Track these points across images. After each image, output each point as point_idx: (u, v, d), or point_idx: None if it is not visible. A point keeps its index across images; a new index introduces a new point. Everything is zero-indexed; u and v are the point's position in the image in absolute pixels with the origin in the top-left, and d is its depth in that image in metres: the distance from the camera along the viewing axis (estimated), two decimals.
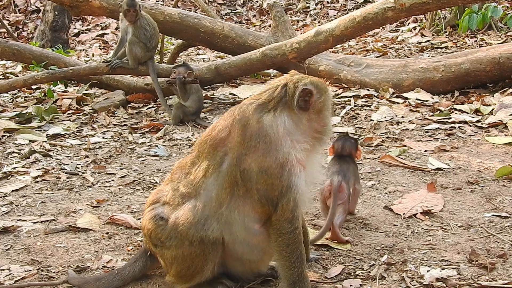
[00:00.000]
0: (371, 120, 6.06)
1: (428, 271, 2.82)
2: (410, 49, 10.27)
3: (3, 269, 3.07)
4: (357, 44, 11.45)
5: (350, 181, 3.43)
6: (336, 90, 7.31)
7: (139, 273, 2.87)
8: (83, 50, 14.24)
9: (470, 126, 5.62)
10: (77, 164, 5.11)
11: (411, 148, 5.04)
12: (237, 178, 2.47)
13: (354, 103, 6.72)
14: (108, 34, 15.56)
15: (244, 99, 2.79)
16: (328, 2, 16.05)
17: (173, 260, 2.63)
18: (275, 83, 2.66)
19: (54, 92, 7.77)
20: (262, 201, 2.47)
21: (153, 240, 2.69)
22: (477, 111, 6.08)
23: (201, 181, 2.56)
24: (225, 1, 17.06)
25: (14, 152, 5.55)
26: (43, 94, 7.89)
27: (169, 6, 11.40)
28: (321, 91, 2.59)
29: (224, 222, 2.52)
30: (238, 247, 2.60)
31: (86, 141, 5.83)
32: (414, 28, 12.15)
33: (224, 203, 2.50)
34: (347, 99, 6.90)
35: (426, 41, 10.80)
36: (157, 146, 5.62)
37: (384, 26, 12.49)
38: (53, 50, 9.97)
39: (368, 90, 7.12)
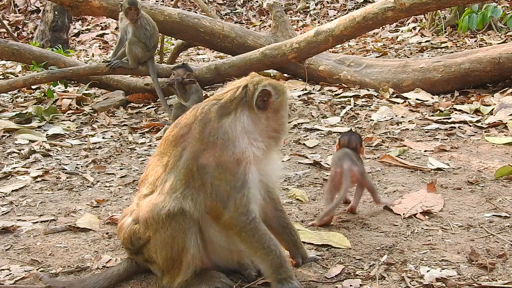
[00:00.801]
0: (371, 120, 6.06)
1: (428, 271, 2.82)
2: (410, 49, 10.27)
3: (3, 269, 3.08)
4: (357, 44, 11.45)
5: (359, 165, 3.58)
6: (336, 90, 7.32)
7: (124, 272, 2.89)
8: (83, 50, 14.24)
9: (470, 126, 5.62)
10: (77, 164, 5.11)
11: (411, 148, 5.04)
12: (194, 172, 2.57)
13: (354, 103, 6.72)
14: (108, 34, 15.56)
15: None
16: (328, 2, 16.05)
17: (156, 248, 2.67)
18: (236, 84, 2.80)
19: (54, 92, 7.77)
20: (213, 196, 2.55)
21: (134, 244, 2.76)
22: (477, 111, 6.07)
23: (161, 177, 2.67)
24: (225, 1, 17.06)
25: (14, 152, 5.56)
26: (43, 94, 7.89)
27: (169, 6, 11.40)
28: (279, 93, 2.75)
29: (179, 204, 2.58)
30: (202, 226, 2.67)
31: (86, 141, 5.83)
32: (414, 28, 12.15)
33: (178, 191, 2.59)
34: (347, 99, 6.90)
35: (426, 41, 10.80)
36: (156, 146, 5.62)
37: (384, 26, 12.49)
38: (53, 50, 9.96)
39: (368, 90, 7.12)
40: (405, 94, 6.84)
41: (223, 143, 2.55)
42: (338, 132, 5.68)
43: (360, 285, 2.74)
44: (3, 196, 4.33)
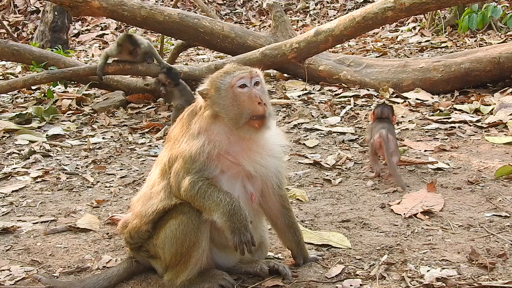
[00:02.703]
0: None
1: (428, 270, 2.82)
2: (410, 49, 10.27)
3: (3, 270, 3.08)
4: (356, 44, 11.44)
5: (393, 133, 4.37)
6: (336, 90, 7.31)
7: (124, 272, 2.92)
8: (83, 50, 14.24)
9: (470, 126, 5.61)
10: (77, 165, 5.11)
11: (411, 148, 5.04)
12: (166, 166, 2.78)
13: (354, 103, 6.72)
14: (107, 34, 15.55)
15: None
16: (328, 2, 16.05)
17: (165, 244, 2.73)
18: None
19: (54, 92, 7.76)
20: (173, 183, 2.72)
21: (134, 237, 2.86)
22: (477, 111, 6.07)
23: (152, 173, 2.93)
24: (224, 1, 17.06)
25: (14, 152, 5.55)
26: (43, 94, 7.89)
27: (168, 6, 11.40)
28: (210, 84, 2.79)
29: (160, 199, 2.77)
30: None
31: (86, 142, 5.83)
32: (414, 28, 12.14)
33: (155, 185, 2.82)
34: (347, 99, 6.90)
35: (426, 41, 10.79)
36: (157, 146, 5.62)
37: (383, 26, 12.48)
38: (52, 50, 9.95)
39: (368, 90, 7.12)
40: (405, 94, 6.84)
41: (187, 140, 2.73)
42: (338, 132, 5.68)
43: (360, 285, 2.74)
44: (3, 197, 4.33)
